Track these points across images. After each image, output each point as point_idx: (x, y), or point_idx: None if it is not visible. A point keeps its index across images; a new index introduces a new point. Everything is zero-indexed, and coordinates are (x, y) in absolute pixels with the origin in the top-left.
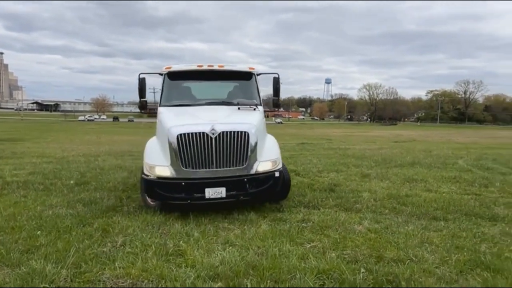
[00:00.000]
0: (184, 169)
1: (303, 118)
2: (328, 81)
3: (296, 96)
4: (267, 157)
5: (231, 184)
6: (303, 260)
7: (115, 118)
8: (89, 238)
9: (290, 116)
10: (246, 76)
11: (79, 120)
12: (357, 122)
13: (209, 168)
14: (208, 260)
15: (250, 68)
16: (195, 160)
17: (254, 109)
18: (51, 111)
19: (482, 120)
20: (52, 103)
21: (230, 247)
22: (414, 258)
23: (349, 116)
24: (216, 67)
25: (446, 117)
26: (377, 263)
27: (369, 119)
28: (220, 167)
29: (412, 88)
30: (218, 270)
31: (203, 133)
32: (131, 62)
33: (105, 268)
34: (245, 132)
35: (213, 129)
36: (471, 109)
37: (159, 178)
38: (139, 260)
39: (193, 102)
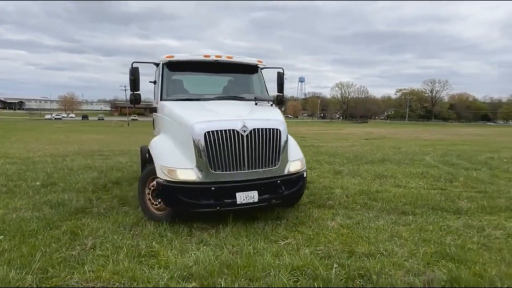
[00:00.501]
0: (213, 171)
1: None
2: (301, 80)
3: (270, 94)
4: (296, 156)
5: (263, 187)
6: (277, 257)
7: (85, 117)
8: (57, 241)
9: None
10: (253, 69)
11: (46, 119)
12: (329, 120)
13: (240, 169)
14: (181, 260)
15: (258, 61)
16: (225, 161)
17: (271, 104)
18: (15, 109)
19: (447, 118)
20: (16, 101)
21: (205, 247)
22: (384, 252)
23: (322, 114)
24: (224, 58)
25: (414, 115)
26: (349, 258)
27: (341, 117)
28: (251, 169)
29: (382, 87)
30: (192, 270)
31: (234, 130)
32: (101, 59)
33: (73, 272)
34: (276, 129)
35: (244, 126)
36: (437, 107)
37: (183, 183)
38: (110, 263)
39: (200, 96)
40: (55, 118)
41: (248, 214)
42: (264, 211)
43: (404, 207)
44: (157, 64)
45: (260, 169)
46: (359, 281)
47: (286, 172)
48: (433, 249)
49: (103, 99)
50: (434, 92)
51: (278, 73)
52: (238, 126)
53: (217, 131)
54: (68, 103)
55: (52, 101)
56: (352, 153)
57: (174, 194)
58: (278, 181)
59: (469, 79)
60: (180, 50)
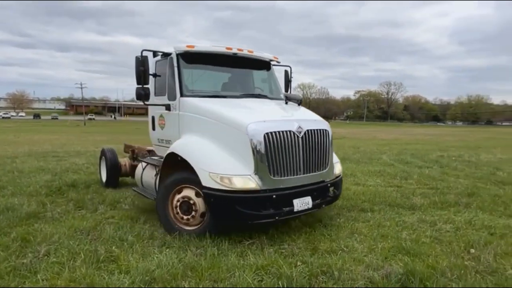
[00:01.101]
0: (272, 177)
1: None
2: None
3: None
4: (336, 159)
5: (315, 191)
6: (242, 258)
7: (37, 116)
8: (6, 249)
9: None
10: (267, 66)
11: None
12: None
13: (296, 174)
14: (143, 264)
15: (274, 57)
16: (284, 165)
17: (299, 104)
18: None
19: (402, 118)
20: None
21: (167, 250)
22: (345, 249)
23: None
24: (245, 52)
25: (372, 116)
26: (312, 255)
27: None
28: (306, 173)
29: (342, 88)
30: (154, 274)
31: (290, 131)
32: (56, 55)
33: (25, 281)
34: (326, 130)
35: (299, 127)
36: (393, 108)
37: (242, 192)
38: (66, 270)
39: (224, 93)
40: (3, 117)
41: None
42: None
43: (363, 204)
44: (167, 55)
45: (314, 173)
46: (322, 278)
47: (334, 175)
48: (390, 244)
49: (57, 97)
50: (390, 94)
51: (286, 71)
52: (294, 127)
53: (276, 132)
54: (18, 101)
55: None
56: None
57: (232, 205)
58: (328, 185)
59: (422, 82)
60: (140, 47)
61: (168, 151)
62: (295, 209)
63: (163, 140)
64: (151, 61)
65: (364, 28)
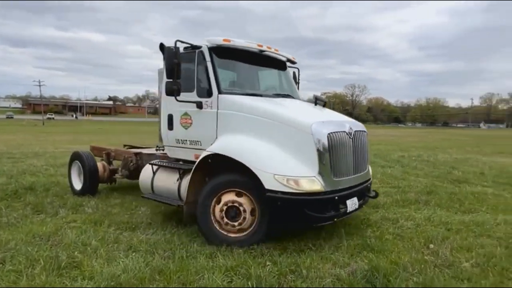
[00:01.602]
0: (333, 178)
1: None
2: None
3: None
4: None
5: (360, 192)
6: (211, 259)
7: None
8: None
9: None
10: (284, 66)
11: None
12: None
13: (350, 175)
14: (108, 269)
15: (292, 58)
16: (342, 166)
17: (323, 105)
18: None
19: (365, 119)
20: None
21: (134, 253)
22: (313, 247)
23: None
24: (273, 50)
25: None
26: (281, 255)
27: None
28: (356, 173)
29: (309, 90)
30: (120, 279)
31: (344, 132)
32: (10, 50)
33: None
34: (366, 131)
35: (350, 128)
36: (357, 110)
37: (309, 194)
38: (24, 278)
39: (258, 91)
40: None
41: (180, 215)
42: None
43: None
44: (196, 48)
45: (360, 173)
46: (291, 277)
47: (370, 175)
48: (356, 241)
49: (12, 95)
50: (354, 96)
51: (294, 72)
52: (346, 128)
53: (336, 132)
54: None
55: None
56: None
57: (300, 208)
58: (369, 185)
59: (384, 84)
60: (103, 44)
61: (207, 153)
62: (348, 210)
63: (185, 140)
64: (193, 55)
65: (330, 31)
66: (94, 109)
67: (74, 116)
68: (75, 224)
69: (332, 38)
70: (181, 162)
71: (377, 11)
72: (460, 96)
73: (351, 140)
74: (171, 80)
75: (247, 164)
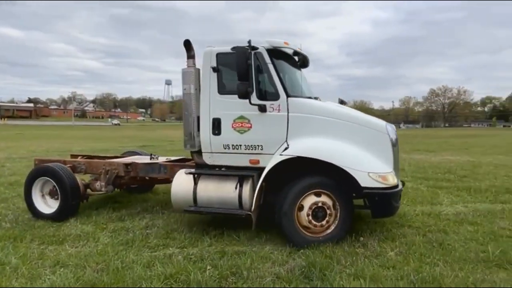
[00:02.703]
0: (396, 173)
1: (143, 120)
2: (168, 82)
3: (135, 96)
4: None
5: None
6: (149, 268)
7: None
8: None
9: (128, 117)
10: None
11: None
12: None
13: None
14: None
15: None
16: (396, 162)
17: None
18: None
19: None
20: None
21: (62, 269)
22: (253, 249)
23: None
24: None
25: None
26: (221, 258)
27: None
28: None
29: None
30: None
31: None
32: None
33: None
34: None
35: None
36: None
37: (394, 187)
38: None
39: (305, 94)
40: None
41: (117, 222)
42: (132, 220)
43: None
44: (253, 49)
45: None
46: (232, 279)
47: None
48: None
49: None
50: None
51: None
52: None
53: (395, 132)
54: None
55: None
56: None
57: (390, 201)
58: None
59: (317, 88)
60: (21, 42)
61: (286, 156)
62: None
63: (239, 145)
64: (211, 54)
65: (266, 35)
66: (11, 112)
67: None
68: None
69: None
70: (223, 169)
71: (308, 18)
72: (384, 99)
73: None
74: (245, 82)
75: (340, 165)
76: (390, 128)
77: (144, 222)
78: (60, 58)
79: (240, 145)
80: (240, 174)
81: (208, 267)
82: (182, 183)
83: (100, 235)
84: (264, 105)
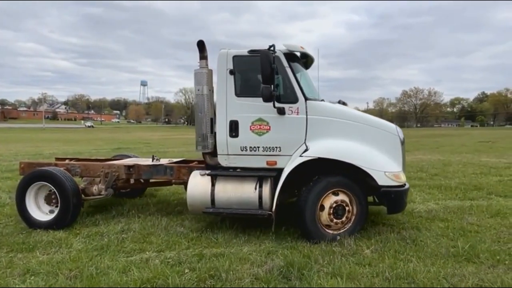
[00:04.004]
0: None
1: (118, 121)
2: (144, 83)
3: (110, 97)
4: None
5: None
6: (125, 274)
7: None
8: None
9: (102, 119)
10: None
11: None
12: (174, 125)
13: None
14: None
15: None
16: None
17: None
18: None
19: None
20: None
21: (32, 277)
22: (231, 250)
23: (166, 119)
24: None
25: None
26: (199, 261)
27: (186, 122)
28: None
29: None
30: None
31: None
32: None
33: None
34: None
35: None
36: None
37: (404, 185)
38: None
39: (317, 96)
40: None
41: (91, 227)
42: (106, 225)
43: None
44: (272, 51)
45: None
46: (210, 282)
47: None
48: (272, 242)
49: None
50: None
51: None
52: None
53: (402, 133)
54: None
55: None
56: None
57: (403, 198)
58: None
59: None
60: None
61: (307, 158)
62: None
63: (257, 147)
64: (227, 57)
65: (243, 37)
66: None
67: None
68: None
69: (244, 44)
70: (238, 170)
71: (285, 20)
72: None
73: None
74: (269, 85)
75: (360, 166)
76: (399, 129)
77: (120, 226)
78: (30, 58)
79: (258, 147)
80: (259, 175)
81: (186, 271)
82: (198, 185)
83: (73, 240)
84: (283, 108)
